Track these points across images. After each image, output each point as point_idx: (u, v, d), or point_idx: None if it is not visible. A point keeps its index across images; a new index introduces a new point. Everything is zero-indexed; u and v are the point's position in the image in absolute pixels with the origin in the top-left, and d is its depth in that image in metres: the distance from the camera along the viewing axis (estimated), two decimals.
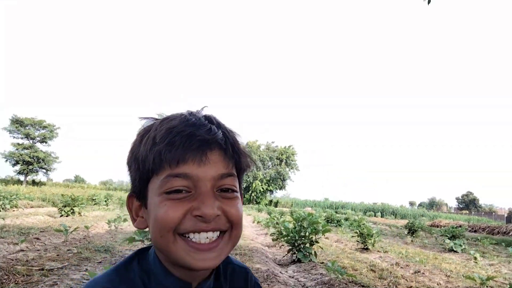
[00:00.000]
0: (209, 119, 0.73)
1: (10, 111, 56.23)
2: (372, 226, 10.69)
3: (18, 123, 46.56)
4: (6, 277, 4.20)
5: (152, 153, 0.68)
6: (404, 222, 23.34)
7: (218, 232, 0.71)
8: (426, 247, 11.73)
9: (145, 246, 0.83)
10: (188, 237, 0.69)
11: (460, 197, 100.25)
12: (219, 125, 0.73)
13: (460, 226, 16.01)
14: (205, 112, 0.76)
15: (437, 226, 21.86)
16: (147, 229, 0.76)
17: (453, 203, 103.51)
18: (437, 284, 5.47)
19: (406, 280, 5.64)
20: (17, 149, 46.36)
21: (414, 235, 16.11)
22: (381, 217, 45.68)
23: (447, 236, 12.77)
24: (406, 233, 17.07)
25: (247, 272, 0.92)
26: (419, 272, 6.41)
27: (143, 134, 0.73)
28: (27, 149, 46.76)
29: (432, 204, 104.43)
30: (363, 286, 5.00)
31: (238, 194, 0.75)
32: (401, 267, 6.85)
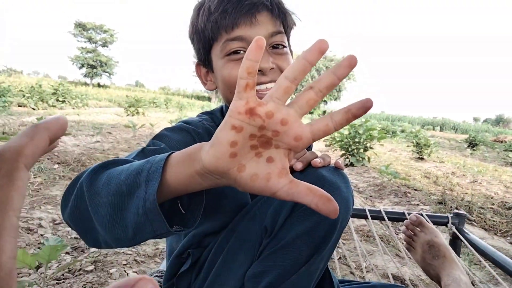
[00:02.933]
0: None
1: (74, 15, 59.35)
2: (430, 139, 10.29)
3: (81, 27, 49.69)
4: (88, 161, 4.76)
5: (210, 23, 0.78)
6: (465, 137, 22.22)
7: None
8: (486, 160, 11.29)
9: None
10: None
11: None
12: None
13: None
14: None
15: (501, 142, 20.64)
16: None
17: None
18: (495, 194, 5.37)
19: (461, 187, 5.59)
20: (81, 53, 50.16)
21: (474, 149, 15.45)
22: (440, 131, 43.71)
23: (511, 150, 12.13)
24: (465, 146, 16.39)
25: None
26: (476, 181, 6.29)
27: (199, 8, 0.81)
28: (90, 52, 50.34)
29: (499, 121, 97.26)
30: (415, 190, 5.05)
31: (288, 50, 0.84)
32: (457, 176, 6.74)
